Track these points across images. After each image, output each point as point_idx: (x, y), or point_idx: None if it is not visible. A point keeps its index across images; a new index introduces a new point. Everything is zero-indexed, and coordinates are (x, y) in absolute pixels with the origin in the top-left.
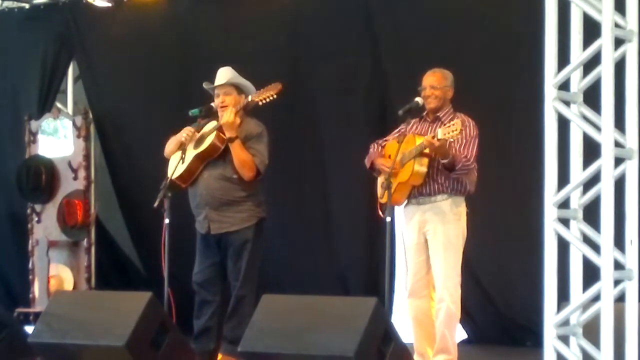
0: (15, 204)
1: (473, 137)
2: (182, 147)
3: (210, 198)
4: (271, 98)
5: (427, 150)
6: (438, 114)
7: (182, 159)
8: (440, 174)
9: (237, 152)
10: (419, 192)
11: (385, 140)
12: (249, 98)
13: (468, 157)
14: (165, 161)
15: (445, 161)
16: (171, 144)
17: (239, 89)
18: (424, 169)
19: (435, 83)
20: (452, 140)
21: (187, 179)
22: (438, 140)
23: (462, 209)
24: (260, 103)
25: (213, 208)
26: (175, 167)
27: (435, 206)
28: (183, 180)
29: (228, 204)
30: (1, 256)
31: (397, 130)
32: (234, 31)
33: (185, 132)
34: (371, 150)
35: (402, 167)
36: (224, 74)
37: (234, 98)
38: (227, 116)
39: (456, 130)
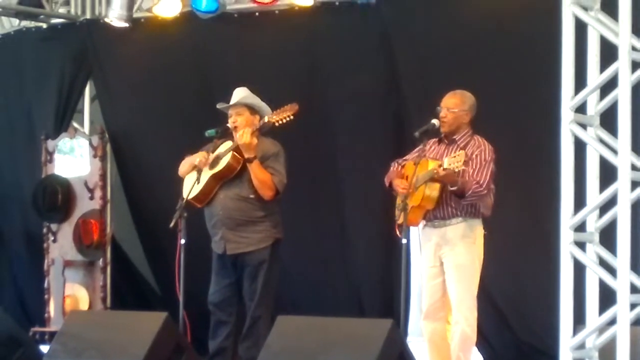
0: (31, 223)
1: (488, 162)
2: (196, 168)
3: (226, 218)
4: (288, 119)
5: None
6: (454, 137)
7: (198, 179)
8: (454, 197)
9: (256, 172)
10: (434, 216)
11: (405, 160)
12: (265, 119)
13: (480, 182)
14: (181, 181)
15: (453, 188)
16: (185, 164)
17: (252, 109)
18: (435, 194)
19: (451, 105)
20: (457, 170)
21: (203, 200)
22: (444, 169)
23: (479, 232)
24: (276, 124)
25: (229, 228)
26: (192, 188)
27: (450, 230)
28: (199, 200)
29: (244, 224)
30: (17, 275)
31: (417, 149)
32: (250, 50)
33: (200, 157)
34: (392, 168)
35: (415, 190)
36: (238, 94)
37: (247, 118)
38: (245, 137)
39: (460, 161)
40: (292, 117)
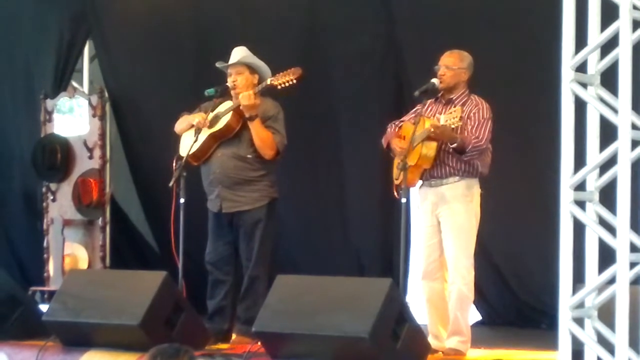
0: (30, 182)
1: (486, 119)
2: (195, 127)
3: (223, 177)
4: (290, 83)
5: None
6: (451, 96)
7: (196, 138)
8: (451, 157)
9: (258, 130)
10: (430, 175)
11: (402, 121)
12: (268, 81)
13: (480, 137)
14: (180, 139)
15: (454, 145)
16: (183, 122)
17: (252, 69)
18: (431, 153)
19: (449, 63)
20: (453, 126)
21: (200, 158)
22: (441, 126)
23: (476, 191)
24: (279, 87)
25: (226, 187)
26: (191, 147)
27: (447, 188)
28: (196, 158)
29: (241, 183)
30: (16, 235)
31: (414, 110)
32: (249, 10)
33: (198, 117)
34: (388, 130)
35: (412, 150)
36: (237, 53)
37: (246, 77)
38: (247, 99)
39: (456, 117)
40: (294, 81)
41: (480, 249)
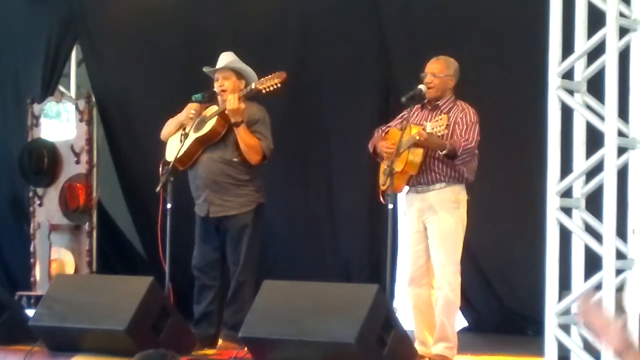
0: (17, 187)
1: (473, 123)
2: (183, 127)
3: (210, 181)
4: (275, 87)
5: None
6: (438, 103)
7: (182, 142)
8: (438, 163)
9: (244, 136)
10: (417, 181)
11: (389, 127)
12: (253, 85)
13: (469, 139)
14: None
15: (444, 152)
16: (170, 125)
17: (239, 74)
18: (418, 159)
19: (436, 71)
20: (439, 134)
21: (186, 162)
22: (427, 134)
23: (462, 197)
24: (263, 91)
25: (213, 191)
26: (178, 152)
27: (433, 195)
28: (182, 163)
29: (228, 187)
30: (2, 239)
31: (400, 116)
32: (239, 16)
33: (192, 109)
34: (375, 135)
35: (398, 156)
36: (224, 58)
37: (233, 82)
38: (232, 103)
39: (442, 125)
40: (279, 85)
41: (466, 255)
